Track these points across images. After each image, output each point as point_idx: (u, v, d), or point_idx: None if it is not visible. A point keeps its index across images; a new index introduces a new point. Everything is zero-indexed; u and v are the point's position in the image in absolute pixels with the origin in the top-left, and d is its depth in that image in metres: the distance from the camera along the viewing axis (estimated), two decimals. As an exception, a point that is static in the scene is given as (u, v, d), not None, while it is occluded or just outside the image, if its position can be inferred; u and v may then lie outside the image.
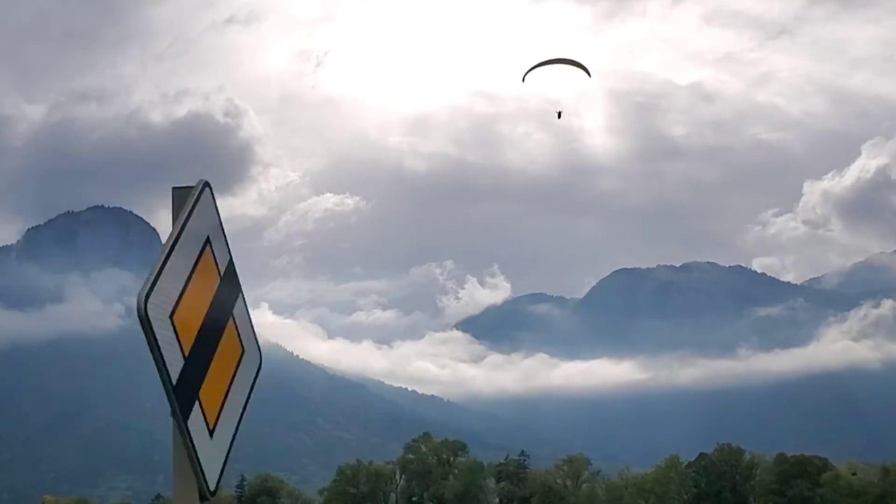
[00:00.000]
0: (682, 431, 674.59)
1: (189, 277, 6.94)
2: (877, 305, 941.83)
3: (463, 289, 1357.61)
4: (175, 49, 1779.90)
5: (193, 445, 6.73)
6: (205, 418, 6.75)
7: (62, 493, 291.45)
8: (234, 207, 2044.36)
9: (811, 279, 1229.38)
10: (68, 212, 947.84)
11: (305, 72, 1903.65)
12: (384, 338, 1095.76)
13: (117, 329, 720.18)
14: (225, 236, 7.48)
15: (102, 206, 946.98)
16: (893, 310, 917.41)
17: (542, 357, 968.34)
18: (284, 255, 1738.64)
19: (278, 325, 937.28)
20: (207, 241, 7.32)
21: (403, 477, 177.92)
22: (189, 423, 6.66)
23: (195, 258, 7.09)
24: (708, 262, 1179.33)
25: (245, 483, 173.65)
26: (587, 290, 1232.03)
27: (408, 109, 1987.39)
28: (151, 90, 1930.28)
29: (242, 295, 7.59)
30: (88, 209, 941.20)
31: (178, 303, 6.70)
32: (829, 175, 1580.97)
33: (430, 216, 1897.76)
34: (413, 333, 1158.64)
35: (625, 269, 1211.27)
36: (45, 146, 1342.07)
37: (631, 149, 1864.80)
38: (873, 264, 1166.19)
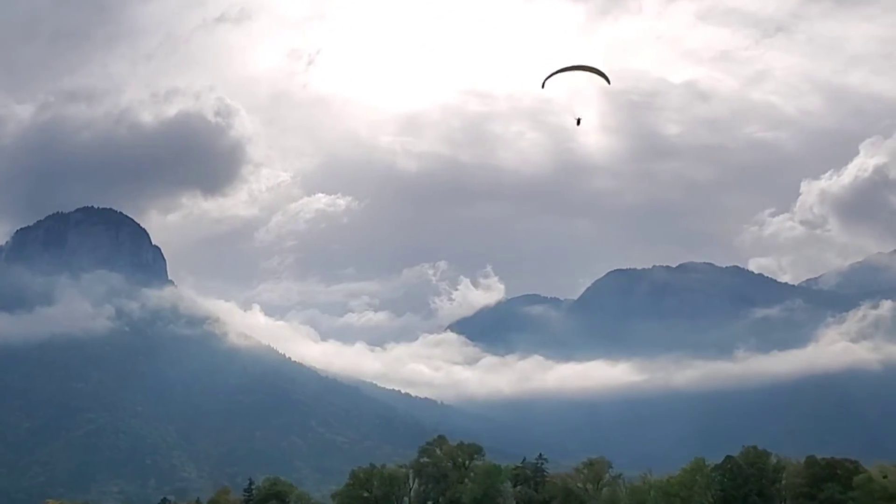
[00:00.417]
0: (679, 434, 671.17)
1: None
2: (875, 306, 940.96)
3: (456, 290, 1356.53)
4: (165, 48, 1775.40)
5: None
6: None
7: (54, 498, 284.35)
8: (224, 208, 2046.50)
9: (809, 280, 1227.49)
10: (57, 213, 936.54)
11: (297, 71, 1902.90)
12: (376, 339, 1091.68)
13: (107, 331, 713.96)
14: None
15: (92, 206, 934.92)
16: (892, 310, 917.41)
17: (536, 359, 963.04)
18: (275, 256, 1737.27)
19: (270, 327, 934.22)
20: None
21: (417, 481, 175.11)
22: None
23: None
24: (704, 263, 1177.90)
25: (253, 487, 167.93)
26: (582, 291, 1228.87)
27: (400, 109, 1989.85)
28: (141, 89, 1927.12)
29: None
30: (78, 210, 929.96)
31: None
32: (827, 174, 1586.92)
33: (423, 216, 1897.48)
34: (406, 335, 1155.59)
35: (620, 269, 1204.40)
36: (34, 146, 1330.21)
37: (625, 148, 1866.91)
38: (872, 264, 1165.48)
